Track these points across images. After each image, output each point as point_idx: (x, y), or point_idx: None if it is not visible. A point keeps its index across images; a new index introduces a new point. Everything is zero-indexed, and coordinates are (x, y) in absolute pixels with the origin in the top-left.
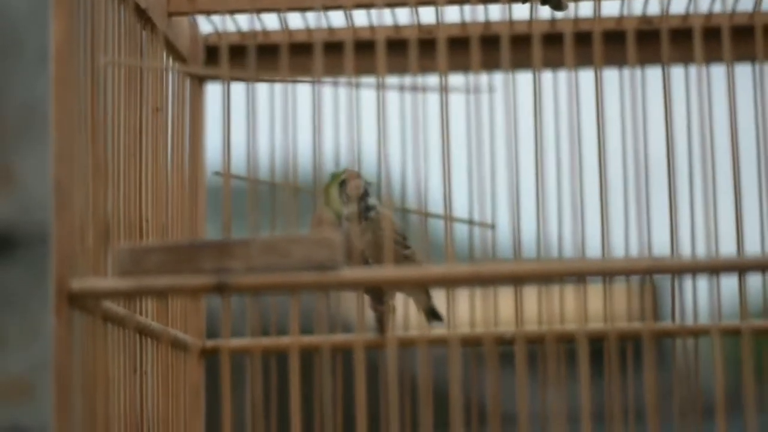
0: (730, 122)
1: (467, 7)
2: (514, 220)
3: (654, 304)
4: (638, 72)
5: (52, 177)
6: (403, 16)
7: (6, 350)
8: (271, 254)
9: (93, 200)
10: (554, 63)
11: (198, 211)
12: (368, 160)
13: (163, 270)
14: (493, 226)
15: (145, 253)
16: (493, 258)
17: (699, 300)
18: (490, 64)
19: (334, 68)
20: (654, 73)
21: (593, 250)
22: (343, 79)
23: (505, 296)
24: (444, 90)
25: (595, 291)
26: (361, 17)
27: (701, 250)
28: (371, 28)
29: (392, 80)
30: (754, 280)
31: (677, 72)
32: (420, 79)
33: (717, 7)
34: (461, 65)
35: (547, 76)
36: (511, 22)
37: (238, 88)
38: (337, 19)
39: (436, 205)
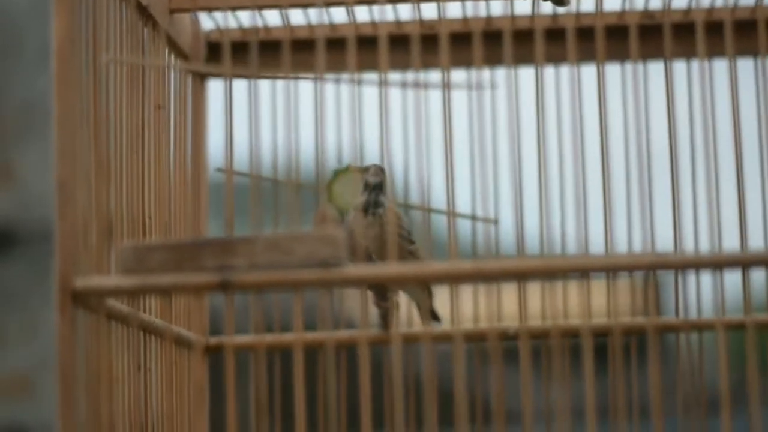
0: (733, 117)
1: (469, 3)
2: (517, 216)
3: (657, 299)
4: (640, 67)
5: (54, 175)
6: (404, 11)
7: (6, 347)
8: (274, 251)
9: (96, 198)
10: (556, 58)
11: (201, 209)
12: (371, 157)
13: (166, 268)
14: (496, 222)
15: (148, 251)
16: (496, 254)
17: (702, 295)
18: (492, 59)
19: (336, 64)
20: (656, 68)
21: (596, 246)
22: (345, 76)
23: (509, 292)
24: (446, 86)
25: (598, 287)
26: (363, 13)
27: (704, 246)
28: (373, 23)
29: (394, 76)
30: (757, 275)
31: (679, 66)
32: (422, 75)
33: (719, 2)
34: (463, 61)
35: (549, 71)
36: (513, 17)
37: (239, 85)
38: (338, 15)
39: (438, 202)
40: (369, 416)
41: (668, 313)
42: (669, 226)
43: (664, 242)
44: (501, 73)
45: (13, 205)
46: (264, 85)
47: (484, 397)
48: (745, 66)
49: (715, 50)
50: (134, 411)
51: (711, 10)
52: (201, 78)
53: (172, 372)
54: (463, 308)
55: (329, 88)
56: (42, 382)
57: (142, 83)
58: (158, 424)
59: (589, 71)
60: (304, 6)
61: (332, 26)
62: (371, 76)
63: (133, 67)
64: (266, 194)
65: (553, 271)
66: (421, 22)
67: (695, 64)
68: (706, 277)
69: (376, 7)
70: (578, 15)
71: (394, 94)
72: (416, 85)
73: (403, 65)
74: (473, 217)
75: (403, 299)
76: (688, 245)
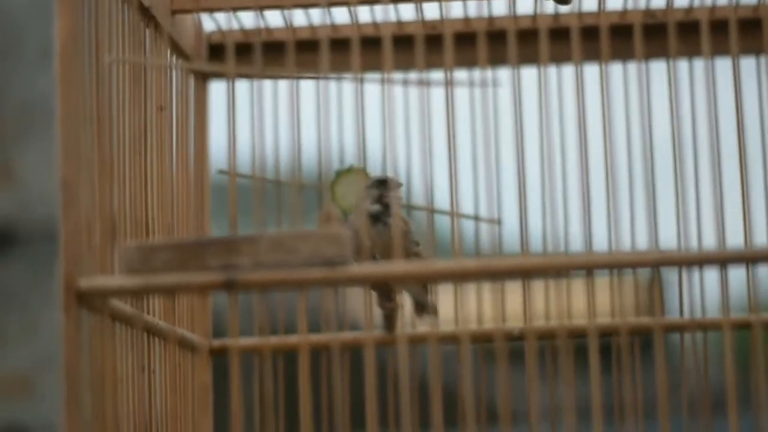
0: (737, 115)
1: (471, 3)
2: (522, 215)
3: (661, 298)
4: (644, 66)
5: (59, 175)
6: (407, 12)
7: (6, 347)
8: (278, 251)
9: (99, 198)
10: (559, 58)
11: (203, 210)
12: (374, 157)
13: (170, 267)
14: (499, 222)
15: (152, 250)
16: (500, 254)
17: (707, 294)
18: (495, 59)
19: (339, 65)
20: (657, 67)
21: (600, 245)
22: (348, 76)
23: (513, 291)
24: (449, 83)
25: (602, 286)
26: (365, 13)
27: (709, 244)
28: (374, 24)
29: (398, 76)
30: (762, 273)
31: (681, 65)
32: (425, 76)
33: (722, 0)
34: (466, 61)
35: (552, 70)
36: (516, 17)
37: (242, 87)
38: (341, 15)
39: (441, 202)
40: (375, 418)
41: (672, 312)
42: (673, 224)
43: (668, 242)
44: (504, 73)
45: (13, 204)
46: (267, 85)
47: (488, 398)
48: (747, 64)
49: (718, 49)
50: (138, 412)
51: (713, 8)
52: (203, 79)
53: (176, 374)
54: (468, 308)
55: (332, 89)
56: (42, 382)
57: (145, 84)
58: (162, 426)
59: (591, 70)
60: (307, 6)
61: (335, 27)
62: (374, 75)
63: (135, 68)
64: (269, 195)
65: (558, 269)
66: (424, 23)
67: (697, 63)
68: (711, 276)
69: (378, 8)
70: (581, 14)
71: (398, 94)
72: (420, 82)
73: (406, 66)
74: (476, 218)
75: (407, 300)
76: (693, 243)
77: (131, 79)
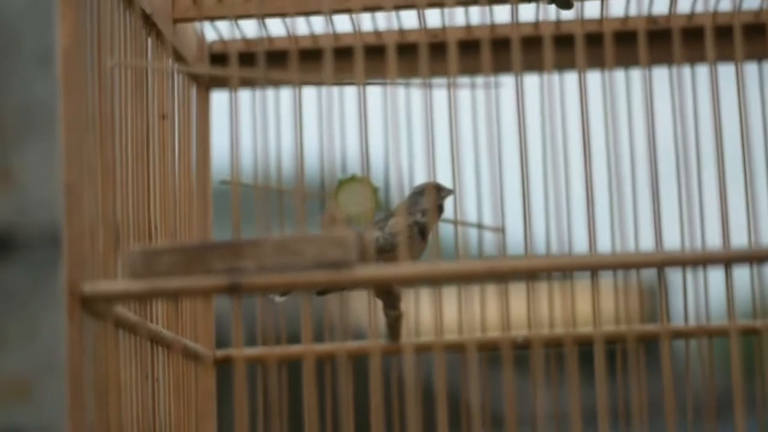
0: (740, 118)
1: (474, 10)
2: (526, 221)
3: (667, 304)
4: (647, 72)
5: (62, 179)
6: (409, 19)
7: (5, 351)
8: (283, 253)
9: (102, 203)
10: (562, 64)
11: (206, 216)
12: (376, 165)
13: (174, 271)
14: (503, 231)
15: (156, 254)
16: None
17: (711, 298)
18: (499, 66)
19: (341, 74)
20: (661, 73)
21: (604, 250)
22: (353, 83)
23: (518, 297)
24: (452, 85)
25: (606, 291)
26: (367, 22)
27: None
28: (377, 32)
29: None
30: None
31: (685, 71)
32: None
33: (724, 6)
34: (470, 69)
35: (555, 77)
36: (518, 24)
37: (244, 96)
38: (344, 23)
39: (446, 209)
40: (381, 428)
41: (676, 316)
42: (677, 228)
43: (673, 246)
44: (507, 80)
45: (13, 209)
46: (269, 94)
47: (493, 404)
48: (749, 70)
49: (720, 55)
50: (142, 420)
51: (716, 14)
52: (205, 88)
53: (179, 383)
54: (473, 315)
55: (335, 97)
56: (43, 388)
57: (147, 91)
58: None
59: (594, 77)
60: (310, 14)
61: (337, 35)
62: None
63: (137, 74)
64: (272, 203)
65: (562, 269)
66: (426, 30)
67: (699, 69)
68: (715, 281)
69: (381, 17)
70: (584, 21)
71: (401, 102)
72: (423, 84)
73: (409, 74)
74: (480, 226)
75: (411, 308)
76: (697, 245)
77: (134, 86)
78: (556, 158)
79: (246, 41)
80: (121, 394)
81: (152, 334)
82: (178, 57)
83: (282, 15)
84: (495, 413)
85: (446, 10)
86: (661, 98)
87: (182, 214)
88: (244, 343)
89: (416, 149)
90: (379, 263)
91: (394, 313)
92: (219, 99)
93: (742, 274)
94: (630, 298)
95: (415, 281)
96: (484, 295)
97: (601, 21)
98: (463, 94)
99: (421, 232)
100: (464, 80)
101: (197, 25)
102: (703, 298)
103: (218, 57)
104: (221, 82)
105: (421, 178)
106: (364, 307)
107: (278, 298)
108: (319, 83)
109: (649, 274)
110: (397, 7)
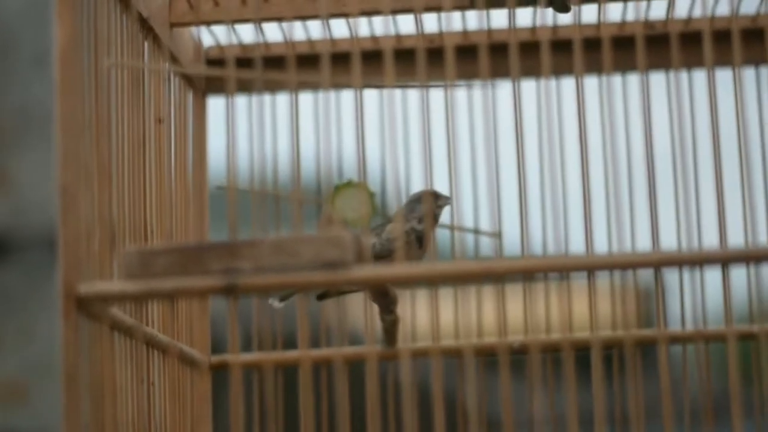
0: (737, 122)
1: (472, 15)
2: (522, 224)
3: (664, 308)
4: (645, 77)
5: (58, 181)
6: (406, 24)
7: (0, 353)
8: (280, 254)
9: (98, 205)
10: (560, 70)
11: (203, 219)
12: (372, 169)
13: (170, 272)
14: (500, 236)
15: (152, 255)
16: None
17: (708, 303)
18: (496, 72)
19: (339, 77)
20: (658, 78)
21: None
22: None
23: (514, 301)
24: (449, 87)
25: (602, 294)
26: (364, 27)
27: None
28: (374, 38)
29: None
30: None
31: (682, 76)
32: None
33: (722, 10)
34: (467, 74)
35: (552, 82)
36: (515, 29)
37: (240, 101)
38: (340, 29)
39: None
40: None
41: (673, 319)
42: (674, 230)
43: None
44: (504, 85)
45: (8, 210)
46: (265, 99)
47: (490, 407)
48: (746, 74)
49: (718, 60)
50: (137, 423)
51: (713, 18)
52: (202, 94)
53: (175, 387)
54: (469, 318)
55: (332, 102)
56: (39, 389)
57: (143, 95)
58: None
59: (591, 82)
60: (307, 18)
61: (334, 41)
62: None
63: (134, 77)
64: (268, 208)
65: (559, 269)
66: (423, 36)
67: (696, 73)
68: (712, 284)
69: (378, 22)
70: (581, 26)
71: (398, 106)
72: (420, 85)
73: (406, 79)
74: (477, 231)
75: (407, 313)
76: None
77: (130, 88)
78: (553, 161)
79: (243, 46)
80: (116, 397)
81: (148, 338)
82: (175, 61)
83: (279, 20)
84: (492, 418)
85: (443, 15)
86: (658, 103)
87: (179, 218)
88: (240, 348)
89: (413, 154)
90: None
91: (391, 318)
92: (216, 104)
93: (739, 276)
94: (627, 301)
95: (411, 281)
96: (481, 298)
97: (598, 26)
98: (460, 99)
99: (418, 240)
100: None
101: (194, 30)
102: (700, 301)
103: (215, 62)
104: (218, 88)
105: (417, 183)
106: (360, 312)
107: (277, 304)
108: (315, 86)
109: (646, 276)
110: (395, 12)
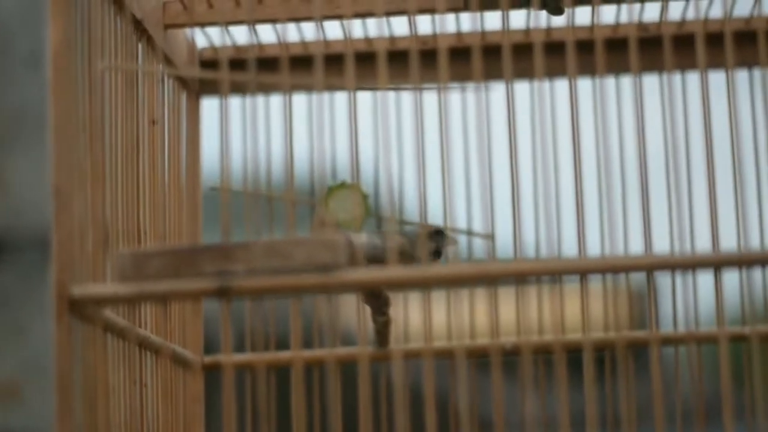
0: (730, 125)
1: (465, 17)
2: (515, 227)
3: (656, 310)
4: (638, 79)
5: (51, 182)
6: (400, 26)
7: None
8: (273, 256)
9: (92, 206)
10: (553, 72)
11: (196, 222)
12: (366, 170)
13: (163, 274)
14: (493, 237)
15: (145, 257)
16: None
17: (700, 305)
18: (489, 74)
19: (333, 79)
20: (651, 80)
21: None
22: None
23: (507, 303)
24: (443, 89)
25: (594, 296)
26: (358, 28)
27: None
28: (367, 39)
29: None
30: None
31: (675, 78)
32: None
33: (715, 12)
34: (460, 76)
35: (545, 84)
36: (509, 31)
37: (234, 102)
38: (335, 30)
39: (436, 215)
40: None
41: (665, 320)
42: (666, 234)
43: (662, 250)
44: (497, 87)
45: (2, 212)
46: (259, 101)
47: (481, 408)
48: (739, 77)
49: (711, 62)
50: (130, 424)
51: (707, 21)
52: (196, 96)
53: (167, 388)
54: (462, 321)
55: (325, 103)
56: (30, 390)
57: (137, 96)
58: None
59: (584, 84)
60: (301, 20)
61: (327, 42)
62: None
63: (127, 79)
64: (261, 209)
65: (551, 272)
66: (417, 37)
67: (690, 76)
68: (704, 287)
69: (372, 24)
70: (574, 28)
71: (391, 108)
72: (414, 87)
73: (400, 81)
74: (470, 233)
75: (399, 314)
76: (686, 249)
77: (124, 90)
78: (546, 163)
79: (237, 48)
80: (109, 398)
81: (141, 339)
82: (169, 63)
83: (273, 21)
84: (483, 419)
85: (437, 17)
86: (651, 105)
87: (172, 219)
88: (233, 348)
89: (406, 156)
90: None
91: (383, 319)
92: (209, 105)
93: (731, 279)
94: (619, 303)
95: (404, 284)
96: (473, 300)
97: (592, 28)
98: (454, 101)
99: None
100: (456, 91)
101: (188, 32)
102: (692, 303)
103: (209, 63)
104: (211, 89)
105: (411, 184)
106: (353, 313)
107: None
108: (309, 87)
109: (638, 278)
110: (388, 14)
